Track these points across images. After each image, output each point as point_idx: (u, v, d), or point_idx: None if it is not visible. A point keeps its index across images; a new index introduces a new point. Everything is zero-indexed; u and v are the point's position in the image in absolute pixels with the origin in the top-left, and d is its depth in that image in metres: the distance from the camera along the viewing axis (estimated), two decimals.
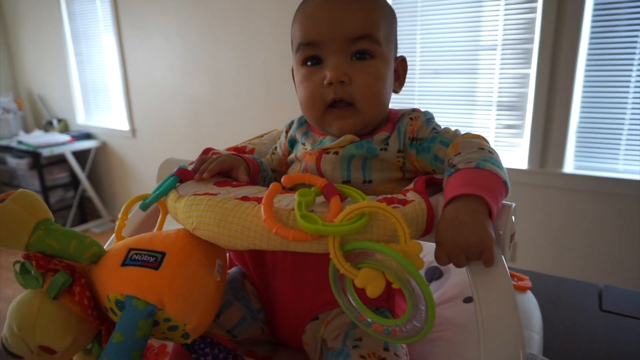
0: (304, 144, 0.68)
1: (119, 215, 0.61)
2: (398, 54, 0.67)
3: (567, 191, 1.79)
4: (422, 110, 0.65)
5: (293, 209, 0.48)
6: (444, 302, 0.73)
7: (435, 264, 0.81)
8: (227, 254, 0.73)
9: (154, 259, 0.51)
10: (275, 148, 0.76)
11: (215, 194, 0.55)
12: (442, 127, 0.63)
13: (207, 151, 0.70)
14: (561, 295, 0.87)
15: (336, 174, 0.61)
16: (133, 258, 0.52)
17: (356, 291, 0.49)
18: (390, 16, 0.63)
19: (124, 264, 0.51)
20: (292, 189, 0.56)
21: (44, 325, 0.49)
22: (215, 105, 2.71)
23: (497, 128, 1.93)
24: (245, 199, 0.52)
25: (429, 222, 0.49)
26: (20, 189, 0.53)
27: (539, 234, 1.87)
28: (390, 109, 0.66)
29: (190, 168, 0.66)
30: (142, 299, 0.49)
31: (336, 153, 0.61)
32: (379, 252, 0.44)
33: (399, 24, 0.66)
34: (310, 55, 0.61)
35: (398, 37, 0.67)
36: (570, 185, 1.77)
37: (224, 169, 0.63)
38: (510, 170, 0.52)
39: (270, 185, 0.51)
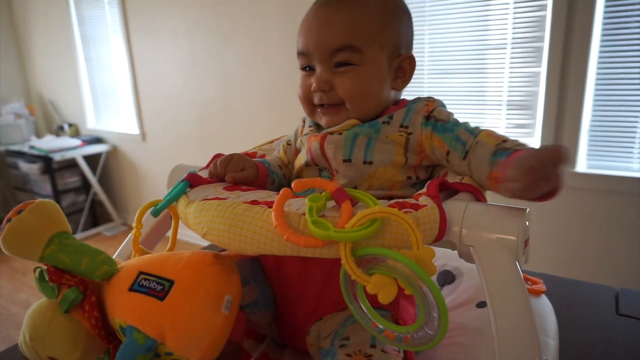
0: (310, 127, 0.72)
1: (134, 224, 0.61)
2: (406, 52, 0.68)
3: (580, 191, 1.77)
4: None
5: (304, 214, 0.48)
6: (456, 306, 0.72)
7: (447, 267, 0.80)
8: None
9: (161, 287, 0.50)
10: (290, 140, 0.77)
11: (225, 199, 0.54)
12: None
13: (216, 157, 0.70)
14: (576, 298, 0.86)
15: (338, 153, 0.63)
16: (141, 284, 0.51)
17: (365, 294, 0.49)
18: (385, 17, 0.64)
19: (131, 289, 0.51)
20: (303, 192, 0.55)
21: (54, 338, 0.50)
22: (225, 108, 2.72)
23: (507, 127, 1.91)
24: (254, 203, 0.52)
25: (441, 228, 0.48)
26: (40, 200, 0.53)
27: (551, 235, 1.85)
28: (403, 99, 0.69)
29: (202, 173, 0.66)
30: (143, 331, 0.48)
31: (340, 134, 0.64)
32: (390, 258, 0.44)
33: None
34: (305, 63, 0.67)
35: None
36: (583, 185, 1.75)
37: (237, 170, 0.64)
38: None
39: (281, 191, 0.51)
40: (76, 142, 3.40)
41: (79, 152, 3.33)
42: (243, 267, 0.64)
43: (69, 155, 3.26)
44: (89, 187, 3.53)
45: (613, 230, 1.73)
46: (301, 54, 0.67)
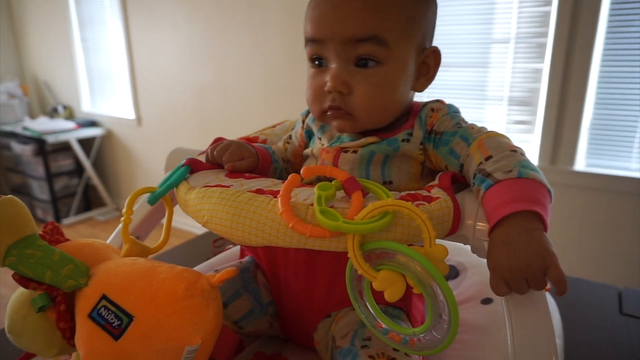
0: (320, 139, 0.64)
1: (124, 211, 0.56)
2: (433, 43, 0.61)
3: (578, 189, 1.76)
4: (447, 103, 0.61)
5: (311, 204, 0.46)
6: (461, 302, 0.70)
7: (450, 262, 0.79)
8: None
9: (119, 323, 0.44)
10: (290, 137, 0.72)
11: (228, 186, 0.52)
12: (468, 123, 0.58)
13: (217, 140, 0.67)
14: (580, 297, 0.85)
15: (354, 174, 0.57)
16: (100, 312, 0.45)
17: (372, 292, 0.47)
18: (414, 2, 0.55)
19: (90, 315, 0.46)
20: (310, 183, 0.53)
21: (29, 336, 0.48)
22: (222, 94, 2.68)
23: (507, 123, 1.90)
24: (259, 191, 0.50)
25: (455, 221, 0.47)
26: None
27: (550, 233, 1.84)
28: (414, 102, 0.63)
29: (201, 157, 0.64)
30: None
31: (355, 152, 0.58)
32: (401, 253, 0.42)
33: None
34: (315, 53, 0.57)
35: None
36: (582, 183, 1.74)
37: (234, 160, 0.61)
38: None
39: (289, 177, 0.48)
40: (70, 124, 3.35)
41: (73, 135, 3.28)
42: (233, 281, 0.62)
43: (62, 137, 3.21)
44: (83, 171, 3.48)
45: (610, 229, 1.73)
46: (312, 40, 0.56)
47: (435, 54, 0.60)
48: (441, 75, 2.14)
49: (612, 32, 1.61)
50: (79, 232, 3.28)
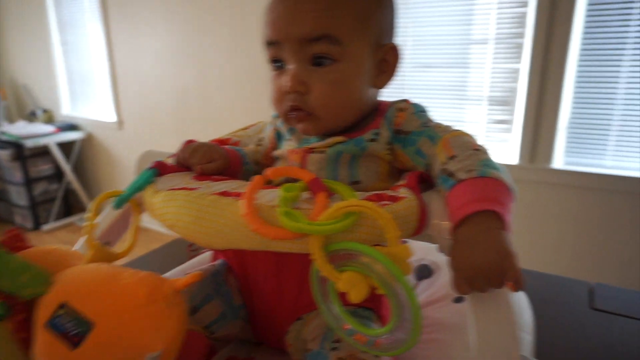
0: (289, 140, 0.64)
1: (87, 215, 0.56)
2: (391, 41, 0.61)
3: (557, 187, 1.78)
4: (413, 102, 0.61)
5: (275, 206, 0.45)
6: (433, 302, 0.70)
7: (424, 261, 0.79)
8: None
9: (77, 331, 0.42)
10: (262, 139, 0.72)
11: (194, 189, 0.52)
12: (435, 122, 0.58)
13: (188, 143, 0.67)
14: (551, 293, 0.86)
15: (322, 175, 0.56)
16: (58, 321, 0.43)
17: (340, 293, 0.47)
18: (367, 1, 0.56)
19: (46, 324, 0.44)
20: (279, 184, 0.53)
21: None
22: (203, 97, 2.67)
23: (487, 123, 1.91)
24: (225, 194, 0.49)
25: (421, 220, 0.47)
26: None
27: (527, 230, 1.86)
28: (381, 101, 0.63)
29: (171, 160, 0.63)
30: None
31: (322, 152, 0.58)
32: (364, 254, 0.42)
33: None
34: (273, 55, 0.58)
35: None
36: (560, 181, 1.77)
37: (203, 162, 0.61)
38: None
39: (253, 179, 0.48)
40: (50, 128, 3.29)
41: (53, 138, 3.22)
42: (204, 284, 0.61)
43: (41, 141, 3.15)
44: (62, 176, 3.42)
45: (588, 226, 1.75)
46: (270, 43, 0.58)
47: (394, 50, 0.60)
48: (421, 75, 2.14)
49: (588, 32, 1.64)
50: (59, 238, 3.22)
